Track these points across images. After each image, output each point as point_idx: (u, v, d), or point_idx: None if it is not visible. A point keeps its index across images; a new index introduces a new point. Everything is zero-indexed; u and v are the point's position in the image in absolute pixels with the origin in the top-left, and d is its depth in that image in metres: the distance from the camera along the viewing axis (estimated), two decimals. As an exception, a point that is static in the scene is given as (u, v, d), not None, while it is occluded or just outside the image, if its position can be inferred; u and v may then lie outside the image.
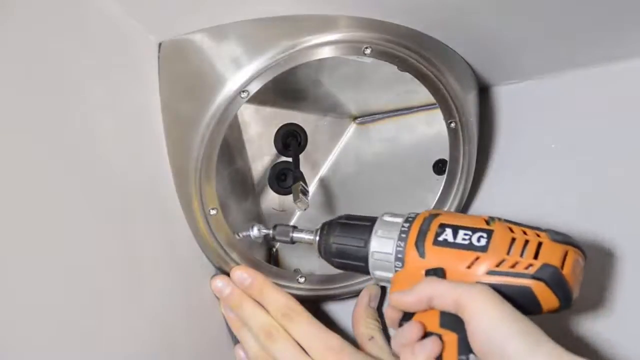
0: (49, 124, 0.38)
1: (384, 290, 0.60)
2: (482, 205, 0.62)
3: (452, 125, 0.55)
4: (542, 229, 0.44)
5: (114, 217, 0.43)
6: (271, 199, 0.67)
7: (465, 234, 0.44)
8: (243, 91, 0.49)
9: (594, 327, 0.54)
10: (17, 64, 0.36)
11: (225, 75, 0.49)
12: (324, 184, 0.70)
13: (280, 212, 0.67)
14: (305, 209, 0.57)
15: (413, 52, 0.51)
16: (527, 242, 0.43)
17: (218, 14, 0.47)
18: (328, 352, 0.49)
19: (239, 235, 0.54)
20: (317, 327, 0.50)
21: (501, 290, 0.41)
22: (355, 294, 0.59)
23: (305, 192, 0.57)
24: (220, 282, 0.53)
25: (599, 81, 0.57)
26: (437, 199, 0.58)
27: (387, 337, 0.57)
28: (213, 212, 0.52)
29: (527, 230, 0.44)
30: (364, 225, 0.49)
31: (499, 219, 0.45)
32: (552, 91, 0.60)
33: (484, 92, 0.63)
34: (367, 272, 0.49)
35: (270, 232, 0.54)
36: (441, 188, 0.58)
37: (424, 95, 0.54)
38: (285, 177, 0.67)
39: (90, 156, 0.41)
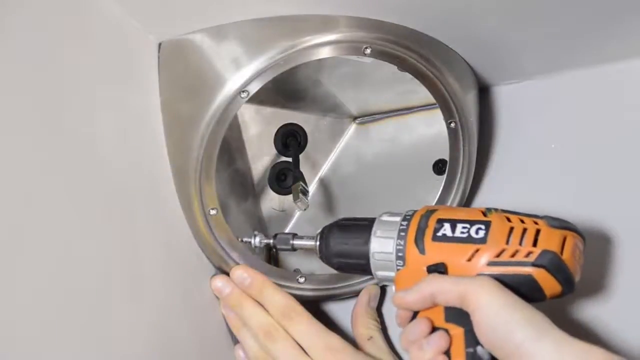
0: (48, 124, 0.38)
1: (383, 290, 0.60)
2: (482, 205, 0.62)
3: (452, 125, 0.55)
4: (540, 216, 0.44)
5: (114, 217, 0.43)
6: (271, 199, 0.67)
7: (464, 227, 0.44)
8: (243, 91, 0.49)
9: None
10: (17, 64, 0.36)
11: (225, 76, 0.49)
12: (324, 184, 0.70)
13: (280, 212, 0.67)
14: (305, 209, 0.57)
15: (413, 52, 0.51)
16: (525, 230, 0.43)
17: (218, 14, 0.47)
18: (328, 352, 0.49)
19: (242, 241, 0.54)
20: (317, 327, 0.50)
21: (503, 280, 0.41)
22: (355, 294, 0.59)
23: (305, 192, 0.57)
24: (220, 281, 0.53)
25: (598, 81, 0.57)
26: (437, 199, 0.58)
27: (387, 337, 0.57)
28: (213, 212, 0.52)
29: (524, 218, 0.44)
30: (363, 226, 0.49)
31: (496, 210, 0.45)
32: (552, 91, 0.60)
33: (484, 92, 0.63)
34: (370, 273, 0.49)
35: (271, 241, 0.54)
36: (441, 188, 0.57)
37: (423, 95, 0.54)
38: (285, 177, 0.67)
39: (90, 156, 0.41)
